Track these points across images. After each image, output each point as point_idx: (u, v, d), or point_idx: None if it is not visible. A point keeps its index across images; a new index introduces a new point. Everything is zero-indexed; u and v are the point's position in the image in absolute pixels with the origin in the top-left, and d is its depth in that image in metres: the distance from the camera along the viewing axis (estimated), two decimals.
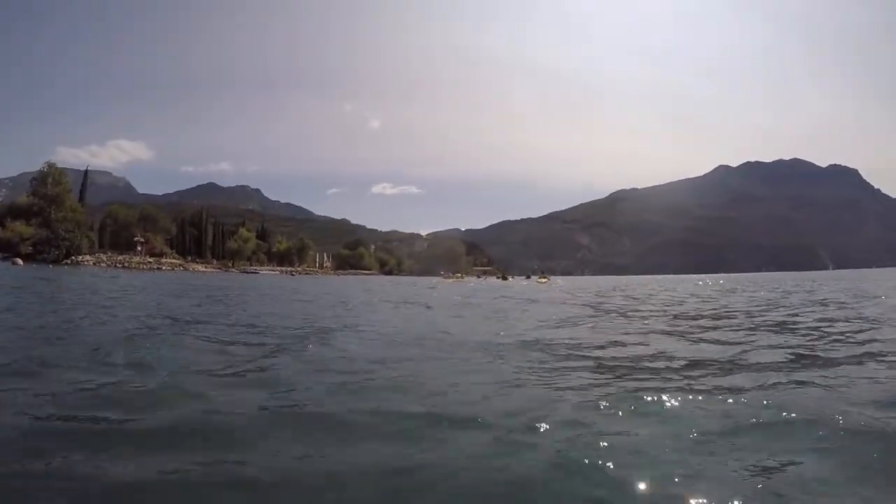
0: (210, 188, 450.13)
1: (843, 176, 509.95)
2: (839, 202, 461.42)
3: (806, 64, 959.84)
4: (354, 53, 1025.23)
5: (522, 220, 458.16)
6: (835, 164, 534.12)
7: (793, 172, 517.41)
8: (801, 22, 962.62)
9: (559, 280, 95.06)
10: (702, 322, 12.37)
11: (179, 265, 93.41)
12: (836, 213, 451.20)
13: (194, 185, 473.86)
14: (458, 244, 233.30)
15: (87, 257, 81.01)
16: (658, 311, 16.25)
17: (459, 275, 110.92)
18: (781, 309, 15.90)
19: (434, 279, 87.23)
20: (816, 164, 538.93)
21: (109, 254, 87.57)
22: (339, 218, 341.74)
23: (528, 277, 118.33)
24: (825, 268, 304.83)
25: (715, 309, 16.69)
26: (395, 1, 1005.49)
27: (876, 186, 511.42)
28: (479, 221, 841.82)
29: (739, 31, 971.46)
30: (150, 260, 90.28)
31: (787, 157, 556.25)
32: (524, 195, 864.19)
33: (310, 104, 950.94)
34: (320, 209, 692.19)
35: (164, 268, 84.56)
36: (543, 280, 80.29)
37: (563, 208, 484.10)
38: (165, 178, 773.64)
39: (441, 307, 18.20)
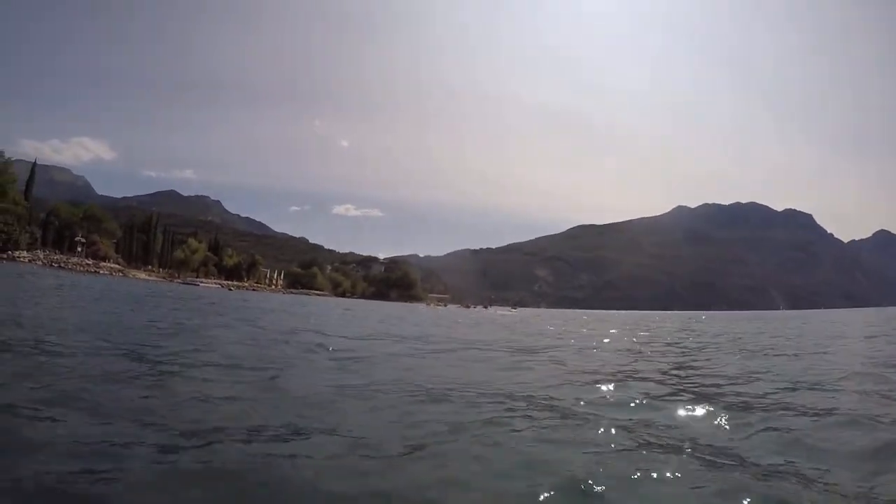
0: (170, 195, 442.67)
1: (798, 220, 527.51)
2: (793, 245, 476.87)
3: (766, 113, 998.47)
4: (331, 71, 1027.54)
5: (482, 249, 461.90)
6: (790, 209, 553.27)
7: (749, 215, 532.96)
8: (764, 74, 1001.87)
9: (511, 311, 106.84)
10: None
11: (119, 271, 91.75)
12: (790, 255, 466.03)
13: (155, 190, 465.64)
14: (414, 270, 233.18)
15: (24, 254, 79.37)
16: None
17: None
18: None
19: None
20: (772, 207, 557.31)
21: (47, 252, 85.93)
22: (297, 236, 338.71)
23: (487, 307, 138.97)
24: (776, 307, 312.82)
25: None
26: (381, 25, 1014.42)
27: (829, 231, 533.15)
28: (439, 248, 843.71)
29: (702, 79, 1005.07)
30: (89, 262, 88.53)
31: (744, 201, 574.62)
32: (485, 225, 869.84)
33: (280, 118, 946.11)
34: (280, 226, 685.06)
35: (101, 272, 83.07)
36: (514, 311, 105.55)
37: (522, 240, 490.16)
38: (126, 180, 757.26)
39: None
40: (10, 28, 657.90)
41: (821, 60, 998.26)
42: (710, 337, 23.05)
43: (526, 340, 18.63)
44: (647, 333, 25.88)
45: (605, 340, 19.58)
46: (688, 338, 22.38)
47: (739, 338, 22.16)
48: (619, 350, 15.61)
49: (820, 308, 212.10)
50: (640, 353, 14.72)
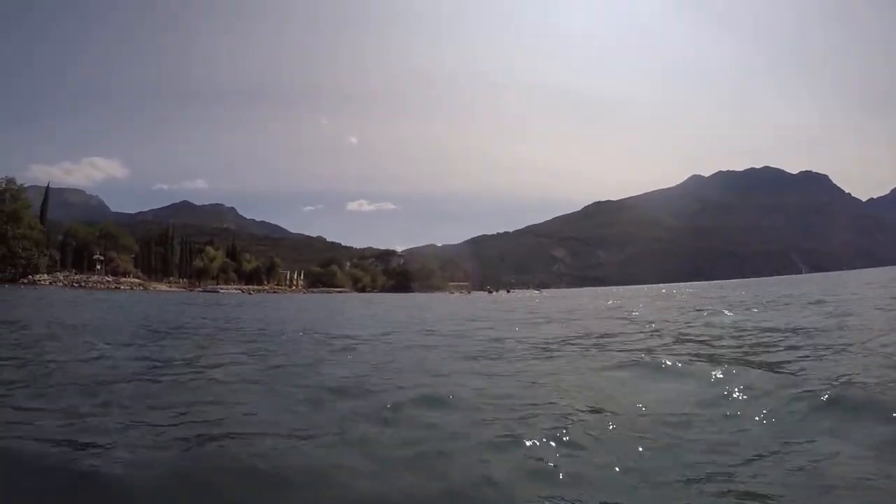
0: (184, 206, 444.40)
1: (814, 182, 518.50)
2: (811, 207, 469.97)
3: (774, 75, 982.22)
4: (333, 69, 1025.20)
5: (498, 234, 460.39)
6: (805, 171, 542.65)
7: (764, 180, 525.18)
8: (769, 34, 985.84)
9: (535, 293, 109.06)
10: None
11: (140, 285, 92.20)
12: (808, 218, 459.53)
13: (168, 203, 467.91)
14: (432, 260, 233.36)
15: (44, 276, 79.96)
16: None
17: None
18: None
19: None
20: (787, 170, 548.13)
21: (67, 273, 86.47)
22: (314, 235, 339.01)
23: (509, 291, 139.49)
24: (799, 272, 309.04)
25: None
26: (376, 18, 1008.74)
27: (846, 191, 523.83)
28: (456, 237, 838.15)
29: (707, 43, 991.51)
30: (109, 279, 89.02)
31: (758, 166, 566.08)
32: (500, 210, 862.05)
33: (286, 119, 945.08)
34: (296, 226, 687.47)
35: (122, 287, 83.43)
36: (540, 292, 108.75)
37: (538, 222, 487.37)
38: (140, 196, 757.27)
39: None
40: (11, 55, 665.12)
41: (827, 16, 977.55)
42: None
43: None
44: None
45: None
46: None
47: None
48: None
49: (843, 270, 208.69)
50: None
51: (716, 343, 9.65)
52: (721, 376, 5.83)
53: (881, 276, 49.16)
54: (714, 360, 7.15)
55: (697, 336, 10.93)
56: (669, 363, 6.76)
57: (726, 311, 16.78)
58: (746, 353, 8.15)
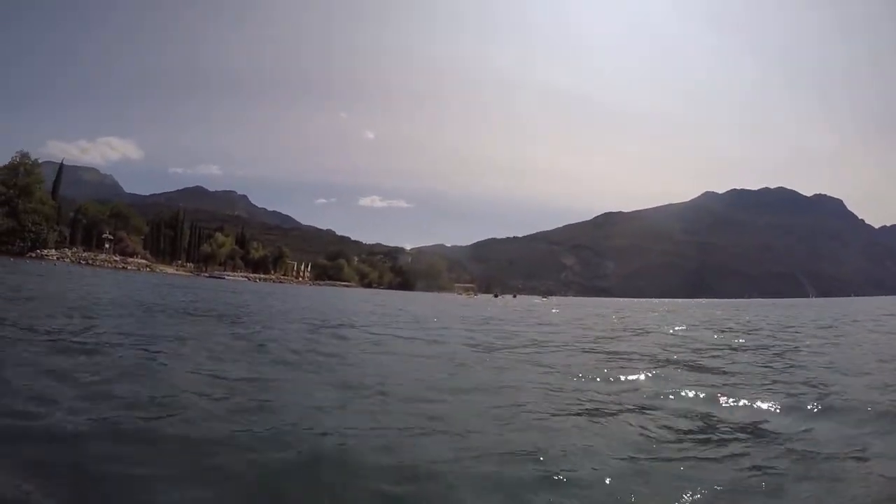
0: (197, 191, 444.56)
1: (828, 205, 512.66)
2: (823, 231, 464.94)
3: (792, 96, 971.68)
4: (354, 62, 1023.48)
5: (508, 238, 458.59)
6: (820, 194, 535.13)
7: (778, 200, 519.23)
8: (786, 56, 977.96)
9: (543, 300, 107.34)
10: None
11: (146, 266, 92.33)
12: (820, 241, 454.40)
13: (182, 187, 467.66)
14: (440, 260, 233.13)
15: (52, 251, 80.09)
16: None
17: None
18: None
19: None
20: (802, 192, 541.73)
21: (75, 249, 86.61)
22: (324, 228, 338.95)
23: (515, 297, 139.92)
24: (807, 295, 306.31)
25: None
26: (397, 13, 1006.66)
27: (860, 217, 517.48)
28: (465, 238, 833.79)
29: (727, 61, 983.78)
30: (117, 258, 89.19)
31: (773, 186, 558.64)
32: (509, 214, 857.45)
33: (305, 112, 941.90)
34: (307, 218, 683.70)
35: (129, 267, 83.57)
36: (545, 299, 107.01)
37: (549, 228, 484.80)
38: (154, 178, 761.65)
39: None
40: (34, 30, 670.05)
41: (845, 38, 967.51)
42: None
43: None
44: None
45: None
46: None
47: None
48: None
49: (851, 296, 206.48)
50: None
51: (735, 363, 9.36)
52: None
53: (886, 304, 48.75)
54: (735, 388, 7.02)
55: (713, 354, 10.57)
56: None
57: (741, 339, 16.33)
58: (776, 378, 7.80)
